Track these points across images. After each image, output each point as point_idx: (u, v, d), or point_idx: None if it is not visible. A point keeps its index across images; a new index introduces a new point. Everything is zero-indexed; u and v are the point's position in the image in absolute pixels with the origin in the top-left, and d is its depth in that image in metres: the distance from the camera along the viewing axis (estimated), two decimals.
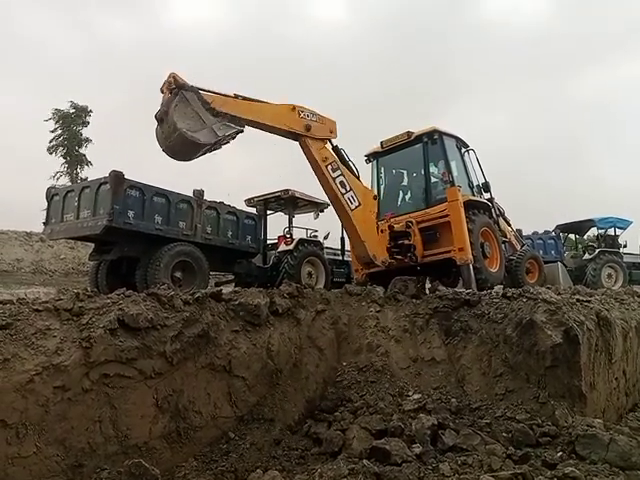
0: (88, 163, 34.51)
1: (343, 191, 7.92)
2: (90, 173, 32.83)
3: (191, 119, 6.40)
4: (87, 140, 34.36)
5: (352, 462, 3.87)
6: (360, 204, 8.05)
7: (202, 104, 6.52)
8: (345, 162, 8.19)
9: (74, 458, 3.66)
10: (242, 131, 6.92)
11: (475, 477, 3.54)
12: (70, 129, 33.43)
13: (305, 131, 7.71)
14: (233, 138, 6.84)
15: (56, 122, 33.30)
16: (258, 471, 3.47)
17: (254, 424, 4.78)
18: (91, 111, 34.17)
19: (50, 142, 33.43)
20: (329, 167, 7.88)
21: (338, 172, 7.91)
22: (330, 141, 8.07)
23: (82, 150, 34.32)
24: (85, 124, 34.10)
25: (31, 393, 3.49)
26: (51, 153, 33.58)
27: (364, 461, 3.81)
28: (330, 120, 8.11)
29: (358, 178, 8.43)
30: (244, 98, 7.29)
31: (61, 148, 33.69)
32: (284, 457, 4.41)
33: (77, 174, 33.60)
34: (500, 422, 4.61)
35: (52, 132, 33.45)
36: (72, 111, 33.46)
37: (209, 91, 6.76)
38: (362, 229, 8.12)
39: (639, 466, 3.71)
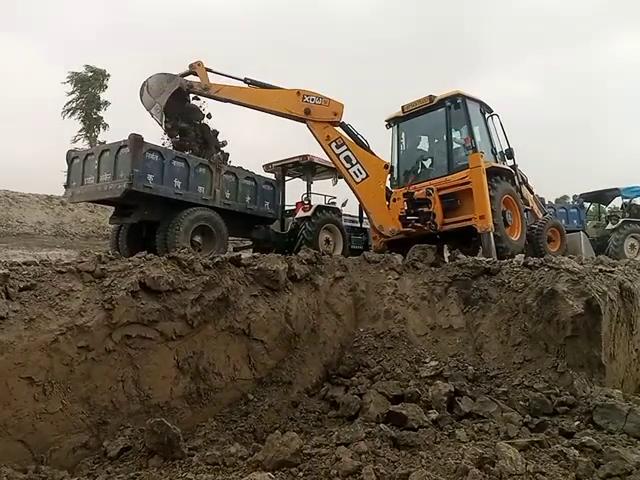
0: (106, 126, 34.52)
1: (348, 166, 8.36)
2: (108, 136, 32.86)
3: None
4: (105, 103, 34.28)
5: (369, 426, 3.91)
6: (368, 175, 8.43)
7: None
8: (353, 136, 8.61)
9: (98, 416, 3.77)
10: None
11: (491, 444, 3.55)
12: (89, 92, 33.30)
13: (304, 115, 8.31)
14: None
15: (74, 85, 33.17)
16: (276, 432, 3.53)
17: (272, 387, 4.86)
18: (109, 75, 33.98)
19: (66, 105, 33.39)
20: (333, 144, 8.40)
21: (343, 148, 8.37)
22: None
23: (100, 113, 34.29)
24: (103, 87, 33.94)
25: (56, 352, 3.58)
26: (69, 116, 33.59)
27: (381, 425, 3.85)
28: (336, 103, 8.58)
29: (368, 150, 8.56)
30: (253, 82, 8.21)
31: (79, 111, 33.66)
32: (302, 419, 4.49)
33: (95, 137, 33.63)
34: (517, 390, 4.61)
35: (69, 95, 33.40)
36: (90, 74, 33.27)
37: (222, 74, 7.78)
38: (367, 200, 8.54)
39: None
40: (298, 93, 8.35)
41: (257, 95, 8.29)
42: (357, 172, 8.40)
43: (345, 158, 8.34)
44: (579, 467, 3.22)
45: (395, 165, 9.45)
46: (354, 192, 8.74)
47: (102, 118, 34.32)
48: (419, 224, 8.37)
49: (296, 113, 8.34)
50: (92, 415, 3.75)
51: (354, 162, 8.38)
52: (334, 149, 8.38)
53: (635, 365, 5.77)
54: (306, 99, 8.32)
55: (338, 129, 8.69)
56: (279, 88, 8.56)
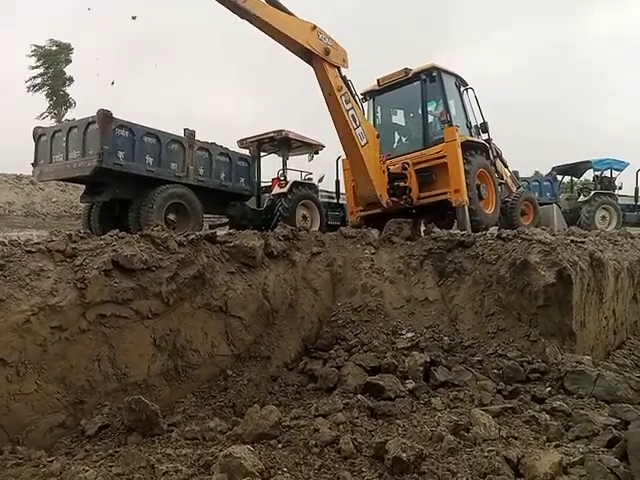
0: (72, 104, 33.47)
1: (354, 125, 7.52)
2: (74, 114, 31.88)
3: None
4: (70, 79, 33.17)
5: (347, 397, 3.97)
6: (367, 142, 7.73)
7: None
8: (354, 95, 7.87)
9: (75, 395, 3.74)
10: None
11: (466, 411, 3.64)
12: (55, 67, 32.14)
13: (324, 54, 7.28)
14: None
15: (38, 59, 31.96)
16: (256, 406, 3.55)
17: (251, 362, 4.88)
18: (73, 48, 32.77)
19: (29, 80, 32.19)
20: (343, 97, 7.45)
21: (350, 104, 7.52)
22: (339, 70, 7.64)
23: (66, 89, 33.21)
24: (68, 62, 32.76)
25: (28, 333, 3.51)
26: (34, 92, 32.45)
27: (358, 396, 3.90)
28: (342, 48, 7.68)
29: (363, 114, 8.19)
30: (273, 2, 6.95)
31: (46, 87, 32.53)
32: (281, 393, 4.52)
33: (63, 115, 32.63)
34: (491, 359, 4.71)
35: (33, 69, 32.19)
36: (54, 48, 32.05)
37: None
38: (371, 168, 7.83)
39: (623, 399, 3.83)
40: (314, 28, 7.22)
41: (281, 18, 6.93)
42: (361, 135, 7.58)
43: (352, 117, 7.45)
44: (550, 430, 3.34)
45: None
46: (355, 158, 7.90)
47: (68, 95, 33.31)
48: (395, 198, 8.40)
49: (317, 50, 7.21)
50: (68, 395, 3.71)
51: (358, 123, 7.57)
52: (344, 103, 7.39)
53: (604, 332, 5.97)
54: (321, 37, 7.26)
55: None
56: (294, 15, 7.29)
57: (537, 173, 16.81)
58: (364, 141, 7.61)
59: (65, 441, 3.51)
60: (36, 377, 3.54)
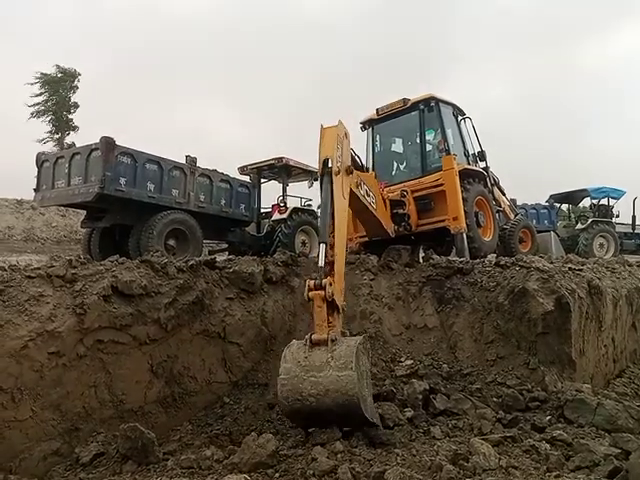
0: (74, 128, 33.84)
1: (369, 200, 6.57)
2: (76, 139, 32.23)
3: None
4: (75, 105, 33.60)
5: None
6: (375, 196, 6.95)
7: None
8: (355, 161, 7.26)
9: (70, 422, 3.71)
10: None
11: (465, 440, 3.60)
12: (59, 94, 32.58)
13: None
14: None
15: (42, 86, 32.40)
16: (253, 434, 3.50)
17: (249, 389, 4.84)
18: (80, 74, 33.30)
19: (32, 106, 32.51)
20: (358, 188, 6.03)
21: (362, 184, 6.25)
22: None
23: (70, 115, 33.59)
24: (74, 89, 33.26)
25: (25, 359, 3.50)
26: (36, 118, 32.80)
27: None
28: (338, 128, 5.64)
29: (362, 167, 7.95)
30: None
31: (49, 113, 32.91)
32: (278, 421, 4.46)
33: (64, 139, 32.94)
34: (491, 387, 4.68)
35: (37, 96, 32.61)
36: (59, 75, 32.56)
37: None
38: (382, 218, 7.33)
39: (624, 429, 3.79)
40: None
41: None
42: (372, 200, 6.69)
43: (366, 192, 6.37)
44: (550, 460, 3.29)
45: (370, 167, 9.51)
46: (370, 222, 7.29)
47: (72, 120, 33.70)
48: (395, 225, 8.43)
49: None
50: (63, 421, 3.68)
51: (368, 191, 6.52)
52: (360, 191, 6.09)
53: (604, 360, 5.93)
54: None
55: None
56: None
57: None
58: (375, 204, 6.88)
59: (59, 469, 3.47)
60: (31, 403, 3.52)
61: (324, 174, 4.62)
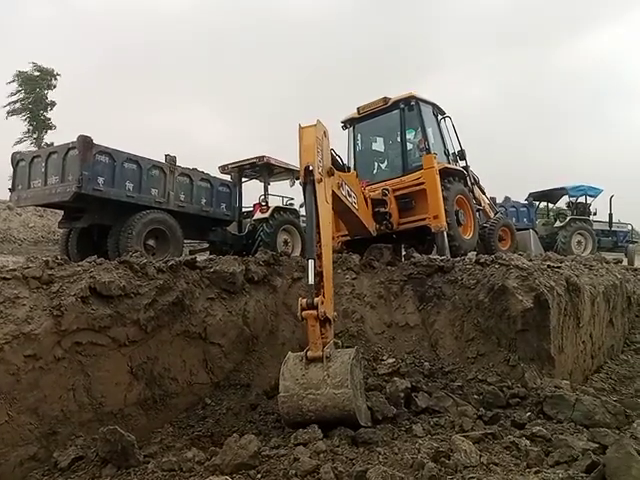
0: (52, 127, 33.24)
1: (351, 200, 6.62)
2: (54, 138, 31.68)
3: None
4: (52, 104, 33.00)
5: None
6: (356, 195, 6.97)
7: None
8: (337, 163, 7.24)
9: (48, 426, 3.63)
10: None
11: (447, 437, 3.62)
12: (35, 92, 31.99)
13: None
14: None
15: (19, 85, 31.80)
16: (235, 435, 3.47)
17: (230, 390, 4.81)
18: (58, 74, 32.73)
19: (8, 105, 31.94)
20: (340, 188, 6.04)
21: (344, 184, 6.25)
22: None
23: (47, 114, 32.99)
24: (51, 87, 32.66)
25: (1, 362, 3.42)
26: (12, 117, 32.18)
27: None
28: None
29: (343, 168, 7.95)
30: None
31: (26, 112, 32.29)
32: (260, 421, 4.45)
33: (42, 138, 32.37)
34: (471, 384, 4.73)
35: (13, 95, 31.99)
36: (36, 74, 31.97)
37: None
38: (364, 218, 7.38)
39: (602, 424, 3.85)
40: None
41: None
42: (354, 200, 6.70)
43: (347, 193, 6.37)
44: (530, 456, 3.32)
45: (352, 166, 9.53)
46: (352, 221, 7.35)
47: (50, 119, 33.11)
48: (376, 224, 8.47)
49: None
50: (41, 426, 3.60)
51: (350, 192, 6.53)
52: (342, 192, 6.07)
53: (582, 356, 6.03)
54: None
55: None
56: None
57: (507, 199, 17.07)
58: (356, 204, 6.89)
59: (36, 475, 3.40)
60: (7, 408, 3.44)
61: (307, 182, 4.59)
